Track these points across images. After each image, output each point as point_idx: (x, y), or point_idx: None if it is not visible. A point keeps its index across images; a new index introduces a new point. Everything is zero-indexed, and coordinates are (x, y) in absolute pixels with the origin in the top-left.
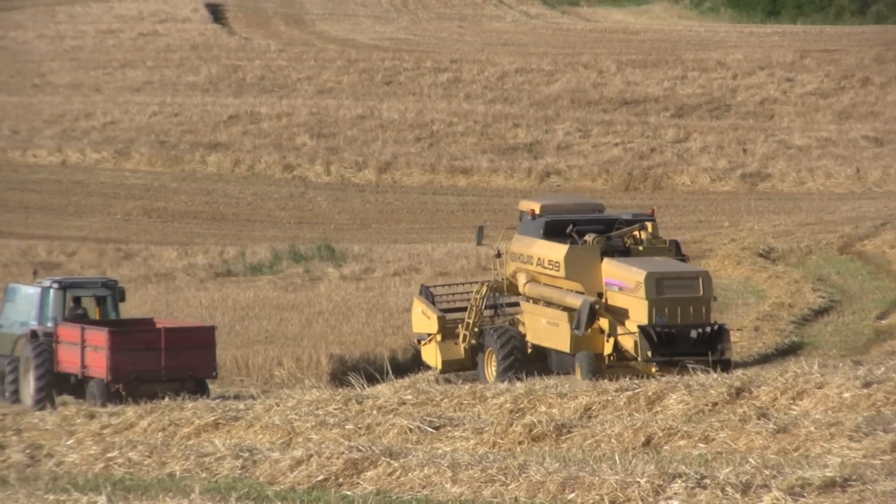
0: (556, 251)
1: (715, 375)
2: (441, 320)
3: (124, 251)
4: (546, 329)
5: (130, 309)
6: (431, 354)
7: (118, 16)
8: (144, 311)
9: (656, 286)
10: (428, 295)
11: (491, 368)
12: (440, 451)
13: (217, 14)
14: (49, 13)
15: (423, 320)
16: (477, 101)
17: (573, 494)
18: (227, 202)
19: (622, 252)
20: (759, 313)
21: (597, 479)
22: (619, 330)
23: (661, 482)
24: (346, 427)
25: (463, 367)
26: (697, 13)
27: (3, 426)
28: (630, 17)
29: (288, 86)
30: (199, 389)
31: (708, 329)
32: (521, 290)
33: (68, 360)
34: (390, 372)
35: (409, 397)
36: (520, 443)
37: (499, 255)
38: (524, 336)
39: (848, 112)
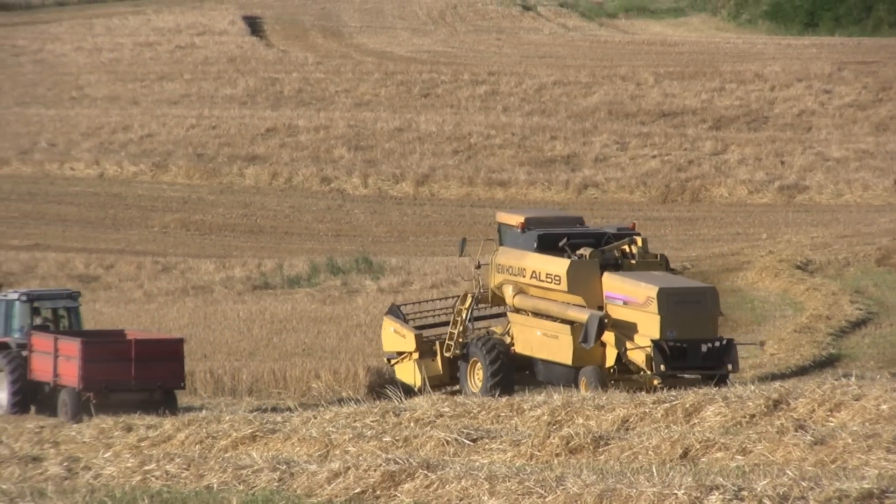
0: (557, 265)
1: (752, 388)
2: (418, 338)
3: (162, 264)
4: (541, 341)
5: (165, 323)
6: (409, 372)
7: (156, 28)
8: (182, 325)
9: (668, 301)
10: (398, 314)
11: (475, 379)
12: (477, 464)
13: (255, 27)
14: (86, 26)
15: (397, 339)
16: (515, 114)
17: None
18: (264, 215)
19: (614, 266)
20: (797, 325)
21: (634, 491)
22: (630, 344)
23: (699, 494)
24: (384, 439)
25: (442, 383)
26: (735, 25)
27: (41, 439)
28: (668, 28)
29: (325, 98)
30: (168, 400)
31: (717, 343)
32: (508, 301)
33: (41, 369)
34: (427, 384)
35: (447, 409)
36: (557, 455)
37: (478, 266)
38: (509, 346)
39: (886, 124)
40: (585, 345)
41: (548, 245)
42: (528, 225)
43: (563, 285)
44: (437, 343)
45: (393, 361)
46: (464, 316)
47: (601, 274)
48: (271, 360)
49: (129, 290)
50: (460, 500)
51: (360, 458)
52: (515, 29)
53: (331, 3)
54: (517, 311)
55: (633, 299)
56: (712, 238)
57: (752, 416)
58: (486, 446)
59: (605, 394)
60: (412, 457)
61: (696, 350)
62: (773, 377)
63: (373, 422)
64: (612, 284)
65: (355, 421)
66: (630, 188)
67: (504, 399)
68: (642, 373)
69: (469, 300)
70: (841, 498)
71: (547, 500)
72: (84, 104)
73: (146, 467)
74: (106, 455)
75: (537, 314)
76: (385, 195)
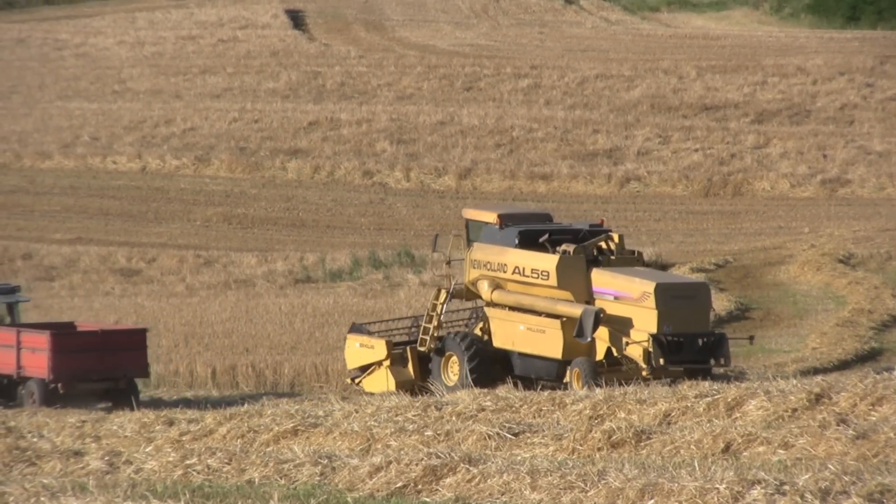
0: (545, 261)
1: (794, 382)
2: (388, 344)
3: (204, 258)
4: (525, 335)
5: (206, 316)
6: (379, 382)
7: (198, 22)
8: (224, 319)
9: (665, 296)
10: (363, 331)
11: (449, 373)
12: (519, 458)
13: (297, 20)
14: (129, 19)
15: (363, 352)
16: (557, 107)
17: (652, 501)
18: (306, 208)
19: (593, 262)
20: (839, 319)
21: (676, 485)
22: (631, 338)
23: (741, 489)
24: (426, 433)
25: (414, 387)
26: (777, 19)
27: (83, 433)
28: (710, 22)
29: (368, 92)
30: (130, 388)
31: (711, 337)
32: (485, 297)
33: (3, 361)
34: (469, 378)
35: (489, 404)
36: (599, 449)
37: (449, 262)
38: (484, 341)
39: None
40: (581, 339)
41: (529, 241)
42: (504, 221)
43: (552, 280)
44: (408, 349)
45: (357, 380)
46: (438, 311)
47: (587, 269)
48: (313, 354)
49: (171, 284)
50: (502, 495)
51: (402, 452)
52: (558, 22)
53: None
54: (494, 305)
55: (627, 294)
56: (754, 232)
57: (794, 410)
58: (528, 440)
59: (647, 388)
60: (454, 451)
61: (691, 344)
62: (816, 371)
63: (414, 416)
64: (602, 280)
65: (397, 415)
66: (672, 182)
67: (546, 393)
68: (633, 366)
69: (443, 295)
70: (883, 492)
71: (589, 494)
72: (126, 98)
73: (187, 461)
74: (147, 449)
75: (517, 309)
76: (427, 189)
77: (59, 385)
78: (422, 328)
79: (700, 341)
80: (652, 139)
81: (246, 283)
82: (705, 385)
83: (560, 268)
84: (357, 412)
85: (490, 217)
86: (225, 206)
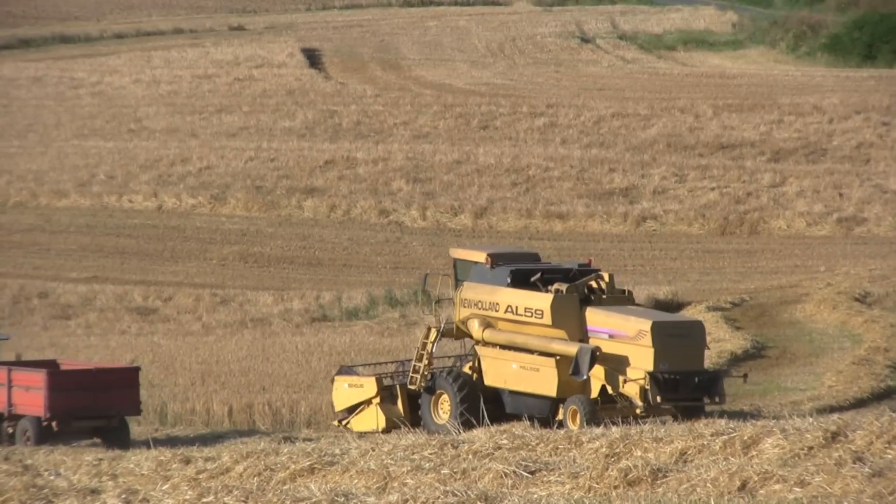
0: (539, 300)
1: (810, 420)
2: (378, 381)
3: (220, 296)
4: (518, 373)
5: (223, 355)
6: (369, 420)
7: (214, 61)
8: (240, 357)
9: (661, 335)
10: (350, 372)
11: (439, 411)
12: (536, 496)
13: (313, 59)
14: (145, 58)
15: (352, 392)
16: (573, 146)
17: None
18: (322, 247)
19: (585, 300)
20: (855, 358)
21: None
22: (628, 376)
23: None
24: (442, 472)
25: (404, 425)
26: (793, 58)
27: (100, 471)
28: (726, 61)
29: (384, 131)
30: (121, 426)
31: (706, 375)
32: (475, 335)
33: None
34: (486, 416)
35: (505, 442)
36: (615, 487)
37: (438, 301)
38: (474, 379)
39: None
40: (577, 377)
41: (521, 280)
42: (494, 261)
43: (547, 319)
44: (398, 387)
45: (344, 422)
46: (428, 349)
47: (581, 308)
48: (329, 393)
49: (187, 323)
50: None
51: (419, 490)
52: (574, 61)
53: (389, 36)
54: (485, 344)
55: (622, 333)
56: (770, 270)
57: (811, 448)
58: (545, 478)
59: (664, 426)
60: (470, 489)
61: (687, 381)
62: (832, 409)
63: (431, 454)
64: (597, 318)
65: (413, 453)
66: (689, 220)
67: (562, 431)
68: (627, 403)
69: (433, 334)
70: None
71: None
72: (142, 136)
73: (204, 500)
74: (164, 487)
75: (509, 347)
76: (443, 227)
77: (54, 423)
78: (412, 366)
79: (695, 379)
80: (668, 178)
81: (262, 321)
82: (721, 423)
83: (554, 306)
84: (373, 450)
85: (479, 256)
86: (241, 245)
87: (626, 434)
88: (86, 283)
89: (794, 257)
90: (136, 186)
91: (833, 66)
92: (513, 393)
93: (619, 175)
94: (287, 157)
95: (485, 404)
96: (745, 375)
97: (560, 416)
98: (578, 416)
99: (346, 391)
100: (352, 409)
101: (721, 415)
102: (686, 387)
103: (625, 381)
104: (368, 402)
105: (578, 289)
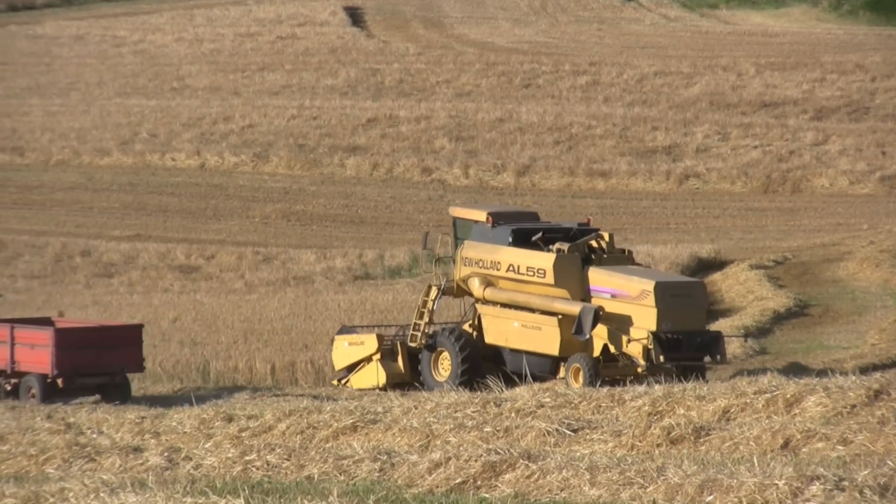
0: (541, 259)
1: (853, 378)
2: (379, 338)
3: (263, 254)
4: (520, 332)
5: (266, 313)
6: (369, 377)
7: (256, 19)
8: (283, 315)
9: (664, 294)
10: (350, 332)
11: (440, 369)
12: (578, 454)
13: (355, 17)
14: (187, 16)
15: (352, 350)
16: (616, 104)
17: (711, 497)
18: (365, 205)
19: (585, 260)
20: None
21: (735, 481)
22: (631, 335)
23: (800, 484)
24: (485, 430)
25: (404, 382)
26: (836, 16)
27: (142, 429)
28: (769, 19)
29: (426, 89)
30: (124, 383)
31: (707, 335)
32: (476, 294)
33: None
34: (529, 374)
35: (548, 400)
36: (658, 445)
37: (437, 259)
38: (474, 337)
39: None
40: (580, 336)
41: (522, 239)
42: (495, 220)
43: (549, 278)
44: (398, 344)
45: (344, 380)
46: (429, 307)
47: (583, 267)
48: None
49: (229, 281)
50: (561, 491)
51: (461, 448)
52: (616, 19)
53: None
54: (485, 302)
55: (625, 293)
56: (813, 229)
57: (853, 406)
58: (587, 437)
59: (706, 384)
60: (513, 447)
61: (690, 341)
62: (874, 367)
63: (473, 412)
64: (599, 278)
65: (456, 411)
66: (731, 179)
67: (605, 389)
68: (629, 362)
69: (434, 292)
70: None
71: (648, 490)
72: (185, 95)
73: (247, 457)
74: (207, 445)
75: (511, 306)
76: (486, 186)
77: (60, 380)
78: (413, 324)
79: (697, 339)
80: (711, 136)
81: (305, 279)
82: (764, 381)
83: (557, 265)
84: (416, 408)
85: (480, 215)
86: (284, 203)
87: (669, 392)
88: (128, 241)
89: (837, 215)
90: (178, 145)
91: (875, 24)
92: (513, 351)
93: (662, 133)
94: (329, 115)
95: (484, 362)
96: (746, 336)
97: (561, 374)
98: (581, 373)
99: (346, 350)
100: (351, 369)
101: (765, 372)
102: (688, 346)
103: (628, 341)
104: (369, 359)
105: (580, 248)
